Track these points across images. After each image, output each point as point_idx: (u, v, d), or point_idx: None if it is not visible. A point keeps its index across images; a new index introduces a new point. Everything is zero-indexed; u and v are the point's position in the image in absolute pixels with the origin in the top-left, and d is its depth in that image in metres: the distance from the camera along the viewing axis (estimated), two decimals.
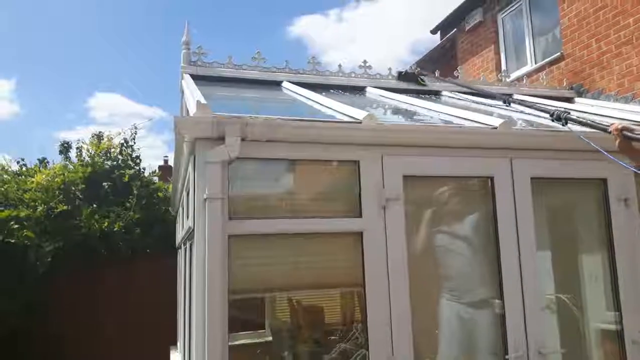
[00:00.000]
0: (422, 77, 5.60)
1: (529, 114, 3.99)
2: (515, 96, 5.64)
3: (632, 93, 5.44)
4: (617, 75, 5.69)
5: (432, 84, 5.56)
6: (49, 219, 6.72)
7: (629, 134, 2.48)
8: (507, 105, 4.01)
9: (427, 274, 3.29)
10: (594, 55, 5.97)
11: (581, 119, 3.06)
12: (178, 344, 5.23)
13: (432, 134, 3.07)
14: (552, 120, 3.20)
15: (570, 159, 3.23)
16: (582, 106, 5.07)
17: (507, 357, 2.93)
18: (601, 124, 2.86)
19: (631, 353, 3.14)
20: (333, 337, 4.09)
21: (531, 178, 3.14)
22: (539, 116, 3.78)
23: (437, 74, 5.73)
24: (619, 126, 2.54)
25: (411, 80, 5.53)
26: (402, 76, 5.56)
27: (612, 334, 3.29)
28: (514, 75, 7.16)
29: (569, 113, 3.10)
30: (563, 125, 3.07)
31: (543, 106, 3.61)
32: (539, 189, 3.18)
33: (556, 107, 3.64)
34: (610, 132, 2.61)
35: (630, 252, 3.26)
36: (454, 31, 8.82)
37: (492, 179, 3.10)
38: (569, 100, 5.79)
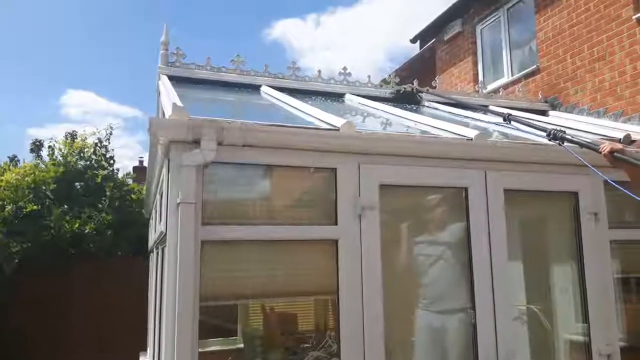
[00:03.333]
0: (420, 94, 5.57)
1: (520, 130, 4.00)
2: (492, 107, 5.72)
3: (605, 108, 5.57)
4: (590, 90, 5.82)
5: (427, 100, 5.54)
6: (17, 218, 6.55)
7: (619, 155, 2.68)
8: (507, 123, 4.06)
9: (402, 282, 3.30)
10: (568, 69, 6.10)
11: (575, 139, 3.16)
12: (148, 349, 5.13)
13: (409, 143, 3.08)
14: (549, 140, 3.22)
15: (543, 172, 3.28)
16: (556, 119, 5.17)
17: None
18: (593, 144, 2.98)
19: None
20: (306, 345, 4.07)
21: (504, 190, 3.18)
22: (530, 132, 3.82)
23: (415, 83, 5.77)
24: (608, 148, 2.73)
25: (410, 98, 5.50)
26: (400, 94, 5.52)
27: (580, 345, 3.34)
28: (491, 86, 7.26)
29: (565, 132, 3.19)
30: (560, 144, 3.14)
31: (541, 125, 3.68)
32: (512, 201, 3.22)
33: (554, 124, 3.76)
34: (600, 153, 2.78)
35: (599, 266, 3.31)
36: (433, 41, 8.91)
37: (466, 189, 3.13)
38: (544, 113, 5.89)
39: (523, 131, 3.94)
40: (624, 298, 3.54)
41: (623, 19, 5.42)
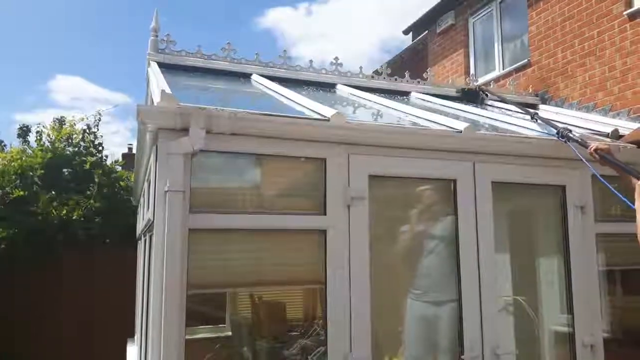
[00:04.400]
0: (485, 93, 5.79)
1: (524, 127, 4.07)
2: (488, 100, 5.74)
3: (594, 103, 5.61)
4: (580, 85, 5.85)
5: (490, 100, 5.72)
6: (4, 204, 6.48)
7: (604, 154, 3.05)
8: (534, 121, 4.23)
9: (390, 273, 3.31)
10: (559, 64, 6.13)
11: (574, 136, 3.37)
12: (135, 336, 5.13)
13: (398, 134, 3.09)
14: (558, 138, 3.40)
15: (531, 165, 3.30)
16: (545, 113, 5.20)
17: (462, 357, 2.98)
18: (585, 142, 3.25)
19: (581, 355, 3.24)
20: (294, 333, 4.09)
21: (492, 182, 3.20)
22: (528, 128, 3.93)
23: (407, 75, 5.77)
24: (594, 147, 3.10)
25: (473, 96, 5.77)
26: (464, 92, 5.81)
27: (564, 336, 3.38)
28: (482, 79, 7.26)
29: (571, 131, 3.42)
30: (565, 142, 3.33)
31: (553, 122, 3.86)
32: (499, 193, 3.24)
33: (564, 123, 4.03)
34: (588, 151, 3.11)
35: (585, 258, 3.35)
36: (425, 33, 8.90)
37: (454, 181, 3.14)
38: (534, 107, 5.91)
39: (526, 127, 3.95)
40: (609, 290, 3.59)
41: (614, 15, 5.44)
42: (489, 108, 5.46)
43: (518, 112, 4.92)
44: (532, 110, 4.71)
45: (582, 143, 3.25)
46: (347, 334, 2.77)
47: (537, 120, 4.20)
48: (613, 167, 3.05)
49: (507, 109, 5.32)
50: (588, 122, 4.64)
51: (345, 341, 2.76)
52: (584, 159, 3.14)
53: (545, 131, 3.74)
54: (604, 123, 4.66)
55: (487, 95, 5.84)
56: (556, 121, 4.19)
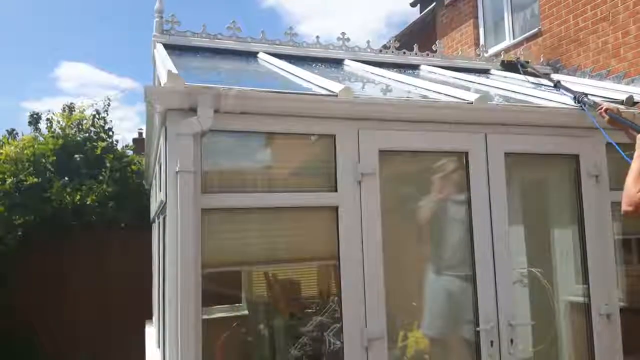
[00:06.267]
0: (523, 65, 5.73)
1: (538, 97, 4.02)
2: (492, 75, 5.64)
3: (607, 70, 5.49)
4: (592, 52, 5.72)
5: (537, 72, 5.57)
6: (18, 191, 6.56)
7: (612, 114, 3.08)
8: (557, 90, 4.26)
9: (402, 248, 3.31)
10: (571, 31, 5.98)
11: (586, 99, 3.45)
12: (153, 317, 5.21)
13: (408, 108, 3.05)
14: (575, 102, 3.50)
15: (543, 135, 3.25)
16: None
17: (478, 329, 2.98)
18: (598, 104, 3.30)
19: (597, 325, 3.23)
20: (310, 310, 4.12)
21: (505, 153, 3.16)
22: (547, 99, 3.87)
23: (416, 48, 5.68)
24: (604, 107, 3.15)
25: (513, 68, 5.76)
26: (504, 64, 5.91)
27: (580, 306, 3.37)
28: (492, 50, 7.13)
29: (587, 96, 3.50)
30: (581, 108, 3.39)
31: (571, 89, 3.94)
32: (512, 164, 3.20)
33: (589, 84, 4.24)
34: (599, 113, 3.16)
35: (600, 228, 3.32)
36: (433, 5, 8.73)
37: (466, 154, 3.10)
38: (546, 76, 5.81)
39: (539, 97, 3.89)
40: (624, 259, 3.56)
41: None
42: (503, 78, 5.38)
43: (540, 82, 4.87)
44: (555, 79, 4.71)
45: (595, 106, 3.27)
46: (362, 309, 2.78)
47: (559, 89, 4.19)
48: (622, 126, 3.05)
49: (526, 80, 5.25)
50: (602, 90, 4.54)
51: (360, 317, 2.78)
52: (598, 125, 3.15)
53: (561, 100, 3.68)
54: (618, 90, 4.55)
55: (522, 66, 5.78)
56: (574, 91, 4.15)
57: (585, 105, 3.34)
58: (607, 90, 4.50)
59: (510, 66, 5.85)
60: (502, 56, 6.49)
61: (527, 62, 5.88)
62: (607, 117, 3.11)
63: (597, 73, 5.59)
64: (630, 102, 3.80)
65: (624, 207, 2.31)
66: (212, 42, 4.78)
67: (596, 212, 3.32)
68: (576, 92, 3.56)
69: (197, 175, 2.54)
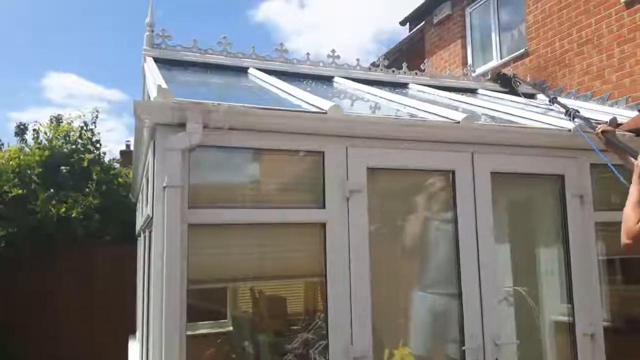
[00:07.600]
0: (517, 82, 5.87)
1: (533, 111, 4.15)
2: (481, 91, 5.71)
3: (592, 92, 5.59)
4: (577, 74, 5.83)
5: (523, 89, 5.77)
6: (2, 203, 6.47)
7: (610, 137, 3.10)
8: (551, 105, 4.46)
9: (389, 265, 3.31)
10: (557, 53, 6.10)
11: (582, 117, 3.59)
12: (137, 333, 5.14)
13: (396, 126, 3.07)
14: (568, 120, 3.60)
15: (529, 155, 3.29)
16: (543, 103, 5.17)
17: (463, 348, 2.98)
18: (594, 123, 3.40)
19: (582, 345, 3.24)
20: (295, 327, 4.09)
21: (491, 172, 3.19)
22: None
23: (404, 66, 5.75)
24: (601, 129, 3.17)
25: (507, 83, 5.94)
26: (499, 76, 6.10)
27: (564, 325, 3.39)
28: (480, 70, 7.24)
29: (578, 112, 3.66)
30: (576, 130, 3.40)
31: (563, 106, 4.09)
32: (498, 184, 3.23)
33: (574, 105, 4.20)
34: (596, 134, 3.19)
35: (584, 248, 3.35)
36: (422, 24, 8.85)
37: (453, 172, 3.13)
38: (532, 96, 5.90)
39: (528, 118, 3.95)
40: (608, 279, 3.59)
41: (611, 2, 5.41)
42: (490, 98, 5.46)
43: (530, 102, 5.00)
44: (551, 95, 4.90)
45: (590, 124, 3.34)
46: (348, 326, 2.77)
47: (554, 104, 4.39)
48: (617, 150, 3.05)
49: (514, 99, 5.38)
50: (587, 111, 4.62)
51: (346, 334, 2.76)
52: (595, 147, 3.17)
53: (547, 121, 3.73)
54: (602, 112, 4.64)
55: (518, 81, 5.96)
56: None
57: (579, 124, 3.41)
58: (591, 112, 4.58)
59: (503, 80, 6.00)
60: (489, 76, 6.59)
61: (519, 80, 6.00)
62: (603, 139, 3.12)
63: (582, 95, 5.69)
64: (613, 123, 3.87)
65: (624, 240, 2.09)
66: (202, 57, 4.80)
67: (581, 232, 3.35)
68: (570, 108, 3.70)
69: (184, 190, 2.53)
